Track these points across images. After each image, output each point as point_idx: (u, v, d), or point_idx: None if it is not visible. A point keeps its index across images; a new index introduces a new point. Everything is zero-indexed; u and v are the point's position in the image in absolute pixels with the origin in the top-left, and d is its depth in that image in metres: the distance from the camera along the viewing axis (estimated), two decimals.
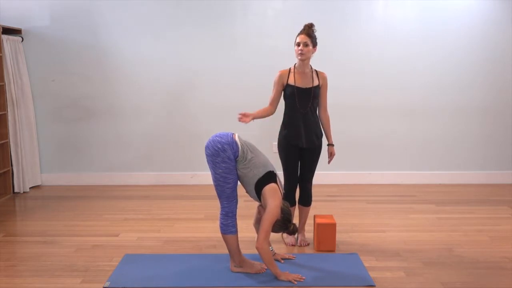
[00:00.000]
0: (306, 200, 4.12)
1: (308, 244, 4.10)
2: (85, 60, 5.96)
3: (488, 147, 6.17)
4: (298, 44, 3.83)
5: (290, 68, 3.96)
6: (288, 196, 3.94)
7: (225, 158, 3.34)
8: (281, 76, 3.94)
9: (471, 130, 6.14)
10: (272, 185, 3.40)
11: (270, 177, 3.42)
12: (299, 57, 3.84)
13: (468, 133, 6.14)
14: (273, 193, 3.38)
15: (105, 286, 3.34)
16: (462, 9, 5.90)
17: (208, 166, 3.44)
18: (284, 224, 3.47)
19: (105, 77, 6.00)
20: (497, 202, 5.41)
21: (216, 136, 3.43)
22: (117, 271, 3.57)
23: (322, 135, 4.04)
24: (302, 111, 3.89)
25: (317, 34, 3.88)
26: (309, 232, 4.25)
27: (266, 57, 5.85)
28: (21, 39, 5.83)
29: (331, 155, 4.08)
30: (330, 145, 4.07)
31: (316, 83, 3.91)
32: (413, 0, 5.89)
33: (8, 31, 5.65)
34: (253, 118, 3.78)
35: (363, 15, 5.93)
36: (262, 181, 3.39)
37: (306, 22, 3.88)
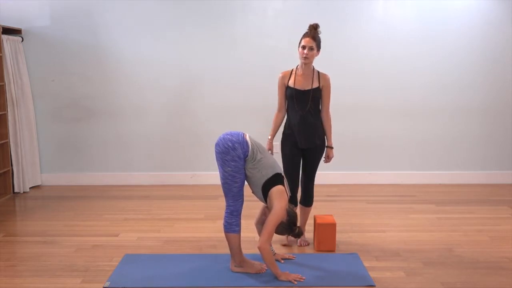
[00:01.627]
0: (307, 200, 4.12)
1: (308, 244, 4.10)
2: (85, 60, 5.96)
3: (488, 147, 6.17)
4: (304, 47, 3.81)
5: (292, 69, 3.95)
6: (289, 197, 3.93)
7: (235, 157, 3.34)
8: (282, 78, 3.94)
9: (471, 130, 6.13)
10: (279, 187, 3.40)
11: (277, 179, 3.42)
12: (303, 61, 3.83)
13: (468, 133, 6.13)
14: (280, 195, 3.38)
15: (105, 286, 3.34)
16: (462, 9, 5.90)
17: (216, 164, 3.44)
18: (289, 227, 3.47)
19: (105, 77, 6.00)
20: (497, 202, 5.41)
21: (227, 134, 3.43)
22: (117, 271, 3.57)
23: (324, 135, 4.03)
24: (301, 113, 3.89)
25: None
26: (309, 232, 4.25)
27: (266, 57, 5.85)
28: (21, 39, 5.82)
29: (328, 157, 4.07)
30: (329, 147, 4.06)
31: (315, 85, 3.89)
32: (413, 0, 5.89)
33: (8, 31, 5.65)
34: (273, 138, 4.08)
35: (363, 15, 5.93)
36: (269, 183, 3.40)
37: (310, 22, 3.83)
